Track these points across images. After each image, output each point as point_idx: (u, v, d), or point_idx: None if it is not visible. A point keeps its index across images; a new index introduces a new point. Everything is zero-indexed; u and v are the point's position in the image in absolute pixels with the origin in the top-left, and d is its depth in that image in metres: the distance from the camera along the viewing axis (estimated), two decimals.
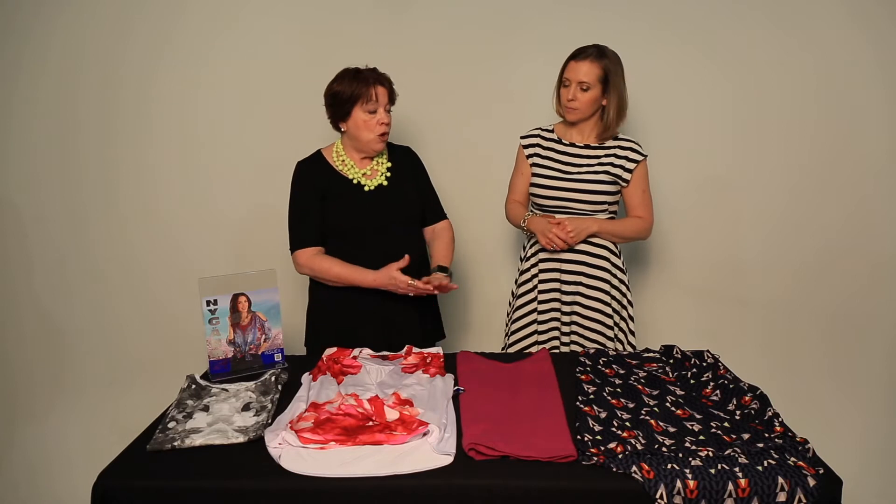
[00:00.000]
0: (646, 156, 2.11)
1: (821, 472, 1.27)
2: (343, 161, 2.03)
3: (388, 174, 2.05)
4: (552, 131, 2.21)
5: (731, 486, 1.23)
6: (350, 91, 1.92)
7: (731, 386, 1.61)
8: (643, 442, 1.35)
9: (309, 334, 2.13)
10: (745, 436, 1.39)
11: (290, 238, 2.03)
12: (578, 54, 2.05)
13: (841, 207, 2.70)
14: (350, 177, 2.02)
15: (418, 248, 2.10)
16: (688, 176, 2.74)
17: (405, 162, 2.12)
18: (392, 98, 1.98)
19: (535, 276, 2.19)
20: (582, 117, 2.10)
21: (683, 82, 2.65)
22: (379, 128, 1.95)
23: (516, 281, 2.27)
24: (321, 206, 2.01)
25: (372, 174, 2.04)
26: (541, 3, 2.61)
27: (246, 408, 1.54)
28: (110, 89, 2.67)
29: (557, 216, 2.13)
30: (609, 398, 1.58)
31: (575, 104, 2.06)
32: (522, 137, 2.24)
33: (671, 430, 1.42)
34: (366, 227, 2.01)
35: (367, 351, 1.85)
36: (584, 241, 2.12)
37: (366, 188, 2.02)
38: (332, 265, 1.98)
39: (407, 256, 1.93)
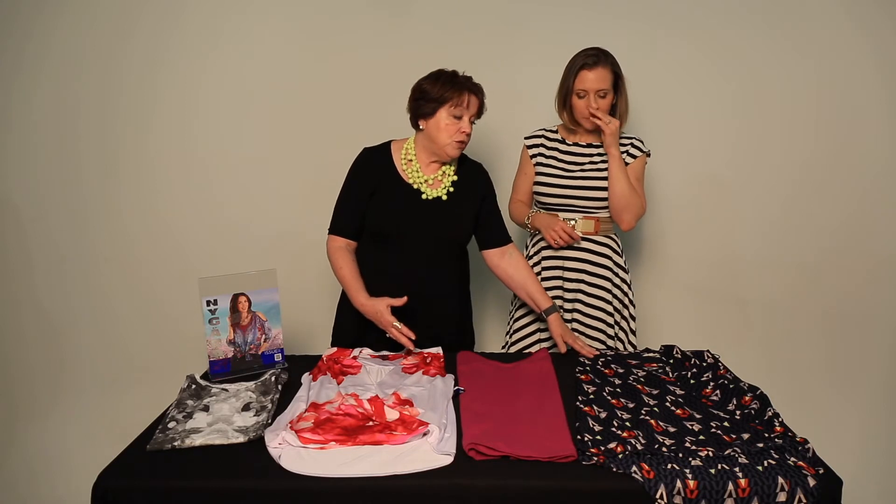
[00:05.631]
0: (646, 152, 2.10)
1: (821, 472, 1.27)
2: (410, 161, 1.95)
3: (451, 189, 1.96)
4: (556, 132, 2.21)
5: (731, 486, 1.23)
6: (441, 92, 1.85)
7: (731, 386, 1.61)
8: (643, 442, 1.35)
9: (336, 330, 2.09)
10: (745, 436, 1.39)
11: (332, 219, 1.99)
12: (589, 62, 2.01)
13: (840, 207, 2.70)
14: (410, 180, 1.94)
15: (457, 267, 2.05)
16: (687, 175, 2.74)
17: (473, 179, 2.02)
18: (480, 111, 1.91)
19: (538, 274, 2.19)
20: None
21: (683, 82, 2.65)
22: (459, 135, 1.87)
23: None
24: (367, 201, 1.93)
25: (434, 184, 1.95)
26: (541, 4, 2.61)
27: (246, 408, 1.54)
28: (110, 89, 2.67)
29: (561, 215, 2.13)
30: (609, 398, 1.58)
31: (598, 113, 2.03)
32: (526, 138, 2.25)
33: (671, 430, 1.42)
34: (411, 236, 1.92)
35: (367, 351, 1.85)
36: (587, 240, 2.13)
37: (424, 196, 1.93)
38: (344, 266, 1.92)
39: (405, 298, 1.83)
